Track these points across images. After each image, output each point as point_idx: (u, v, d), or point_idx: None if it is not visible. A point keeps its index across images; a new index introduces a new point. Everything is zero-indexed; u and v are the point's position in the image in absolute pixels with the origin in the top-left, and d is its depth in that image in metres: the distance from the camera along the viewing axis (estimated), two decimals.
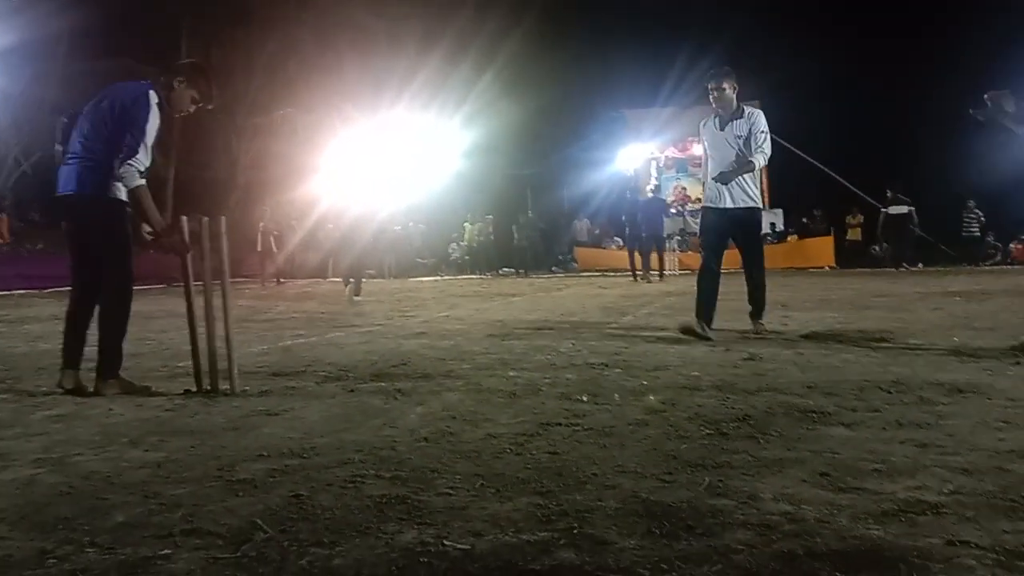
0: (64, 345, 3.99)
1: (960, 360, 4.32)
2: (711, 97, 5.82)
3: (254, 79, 23.32)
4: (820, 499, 2.08)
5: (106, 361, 3.94)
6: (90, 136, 3.94)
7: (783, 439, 2.71)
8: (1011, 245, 20.84)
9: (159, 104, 3.98)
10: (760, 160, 5.69)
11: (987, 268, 18.70)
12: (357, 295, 11.13)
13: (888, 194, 19.39)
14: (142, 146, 3.86)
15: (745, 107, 5.84)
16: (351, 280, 11.45)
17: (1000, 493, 2.08)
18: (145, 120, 3.89)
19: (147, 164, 3.91)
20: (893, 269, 18.42)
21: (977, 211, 20.32)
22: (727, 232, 5.90)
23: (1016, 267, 18.59)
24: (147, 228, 4.05)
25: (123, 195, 3.94)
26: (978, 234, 20.47)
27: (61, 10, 16.71)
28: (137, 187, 3.88)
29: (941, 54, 22.90)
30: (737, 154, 5.68)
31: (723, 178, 5.67)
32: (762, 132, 5.70)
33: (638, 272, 15.70)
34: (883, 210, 19.39)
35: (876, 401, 3.28)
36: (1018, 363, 4.11)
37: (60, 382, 3.93)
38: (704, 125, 5.92)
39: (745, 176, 5.70)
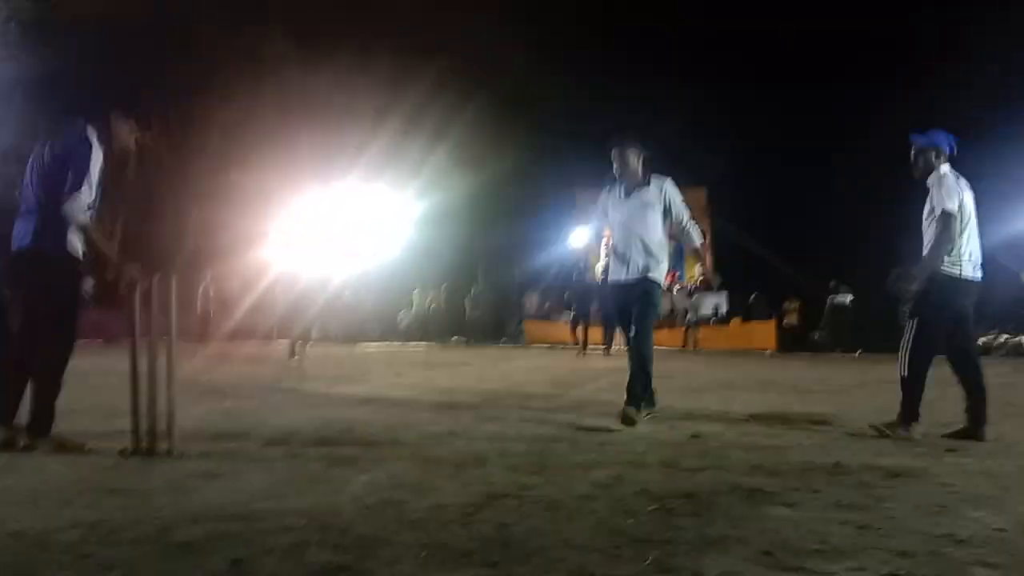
0: (6, 399, 3.83)
1: (897, 445, 4.43)
2: (614, 167, 5.43)
3: (210, 143, 23.34)
4: None
5: (41, 417, 3.81)
6: (39, 188, 3.89)
7: (727, 517, 2.73)
8: None
9: (99, 139, 3.96)
10: (697, 238, 5.52)
11: None
12: (298, 357, 11.18)
13: (831, 283, 20.22)
14: (85, 182, 3.83)
15: (653, 176, 5.43)
16: (298, 344, 11.49)
17: None
18: (86, 157, 3.86)
19: (91, 199, 3.87)
20: (831, 353, 18.91)
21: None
22: (629, 305, 5.40)
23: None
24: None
25: (78, 252, 3.88)
26: None
27: (20, 58, 16.59)
28: (82, 221, 3.84)
29: (884, 143, 23.96)
30: (643, 225, 5.34)
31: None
32: (683, 203, 5.46)
33: (588, 346, 15.93)
34: (829, 299, 20.20)
35: (818, 482, 3.34)
36: (953, 450, 4.24)
37: None
38: (607, 192, 5.53)
39: (651, 246, 5.35)
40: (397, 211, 23.25)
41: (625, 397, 5.17)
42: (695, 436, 4.63)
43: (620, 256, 5.45)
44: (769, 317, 22.11)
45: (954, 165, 4.94)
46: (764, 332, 21.30)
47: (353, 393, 7.03)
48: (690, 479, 3.38)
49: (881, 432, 4.79)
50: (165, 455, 3.70)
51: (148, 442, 3.81)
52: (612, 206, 5.52)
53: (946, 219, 4.72)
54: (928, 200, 4.88)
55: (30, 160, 4.00)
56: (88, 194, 3.86)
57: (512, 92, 24.82)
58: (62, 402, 3.95)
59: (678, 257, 26.19)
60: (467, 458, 3.78)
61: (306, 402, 6.19)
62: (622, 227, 5.42)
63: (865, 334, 20.73)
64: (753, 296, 23.01)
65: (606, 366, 12.44)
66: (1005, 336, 21.07)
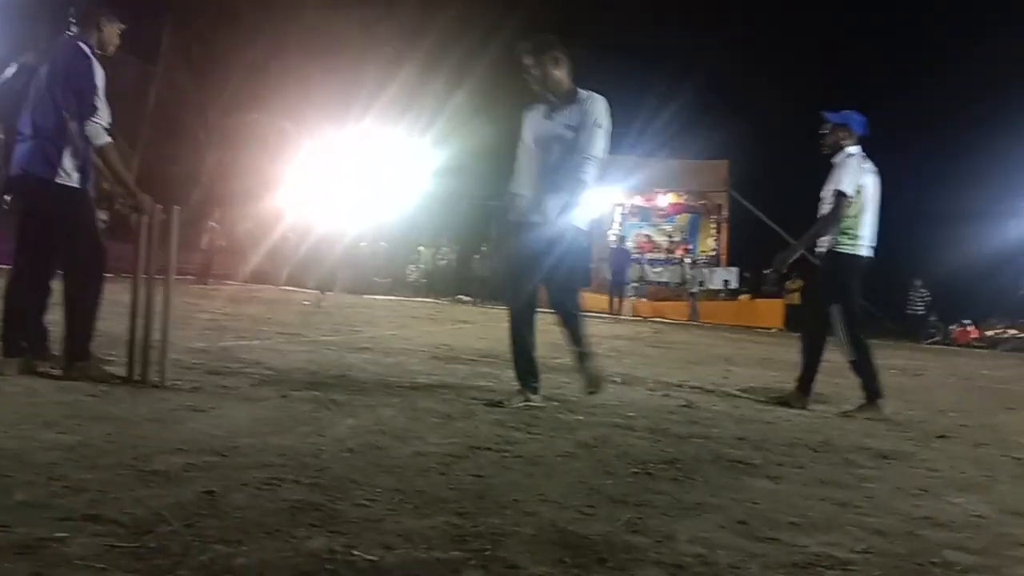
0: (5, 332, 3.83)
1: (888, 428, 4.41)
2: (529, 81, 4.24)
3: (232, 80, 23.17)
4: (735, 545, 2.09)
5: (69, 346, 3.82)
6: (38, 112, 3.81)
7: (707, 485, 2.73)
8: (952, 327, 21.49)
9: (94, 52, 3.85)
10: (588, 173, 4.06)
11: (927, 346, 19.20)
12: (323, 303, 11.48)
13: None
14: (99, 100, 3.76)
15: (581, 91, 4.20)
16: (321, 288, 11.94)
17: (908, 556, 2.12)
18: (91, 74, 3.77)
19: (108, 120, 3.82)
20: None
21: (923, 290, 20.94)
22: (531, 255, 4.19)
23: (955, 348, 19.11)
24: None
25: (74, 180, 3.82)
26: (922, 312, 21.07)
27: None
28: (104, 144, 3.79)
29: (911, 134, 23.76)
30: (566, 149, 4.13)
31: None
32: (597, 127, 4.08)
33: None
34: None
35: (803, 458, 3.33)
36: (943, 436, 4.21)
37: (2, 369, 3.73)
38: (528, 113, 4.34)
39: (567, 183, 4.10)
40: (414, 160, 23.05)
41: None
42: (686, 405, 4.62)
43: (534, 196, 4.23)
44: (778, 295, 22.01)
45: (865, 147, 5.01)
46: (770, 310, 21.23)
47: (353, 342, 7.05)
48: (675, 446, 3.37)
49: (848, 416, 4.81)
50: (156, 387, 3.72)
51: (140, 372, 3.83)
52: (534, 129, 4.29)
53: (838, 200, 4.83)
54: (829, 178, 4.97)
55: (31, 84, 3.91)
56: (104, 114, 3.80)
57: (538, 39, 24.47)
58: (57, 331, 3.96)
59: (691, 229, 26.10)
60: (455, 410, 3.78)
61: (304, 347, 6.21)
62: (543, 154, 4.23)
63: (871, 321, 20.78)
64: (765, 272, 22.90)
65: (610, 332, 12.43)
66: (1012, 331, 20.94)
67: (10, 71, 4.01)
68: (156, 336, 3.88)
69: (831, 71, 25.84)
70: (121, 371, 3.87)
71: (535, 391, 4.21)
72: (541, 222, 4.14)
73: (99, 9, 3.98)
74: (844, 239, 4.90)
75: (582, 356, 4.37)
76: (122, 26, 4.05)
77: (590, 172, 4.06)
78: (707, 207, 25.48)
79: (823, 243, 4.98)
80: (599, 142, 4.09)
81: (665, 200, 25.36)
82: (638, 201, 25.82)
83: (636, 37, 24.79)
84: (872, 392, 4.88)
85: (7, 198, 3.99)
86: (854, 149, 4.95)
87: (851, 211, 4.87)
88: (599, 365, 4.52)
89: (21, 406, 3.06)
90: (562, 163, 4.13)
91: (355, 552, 1.80)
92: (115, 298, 4.45)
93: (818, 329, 5.12)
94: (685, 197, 25.29)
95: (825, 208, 4.92)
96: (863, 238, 4.94)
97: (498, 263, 4.59)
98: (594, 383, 4.39)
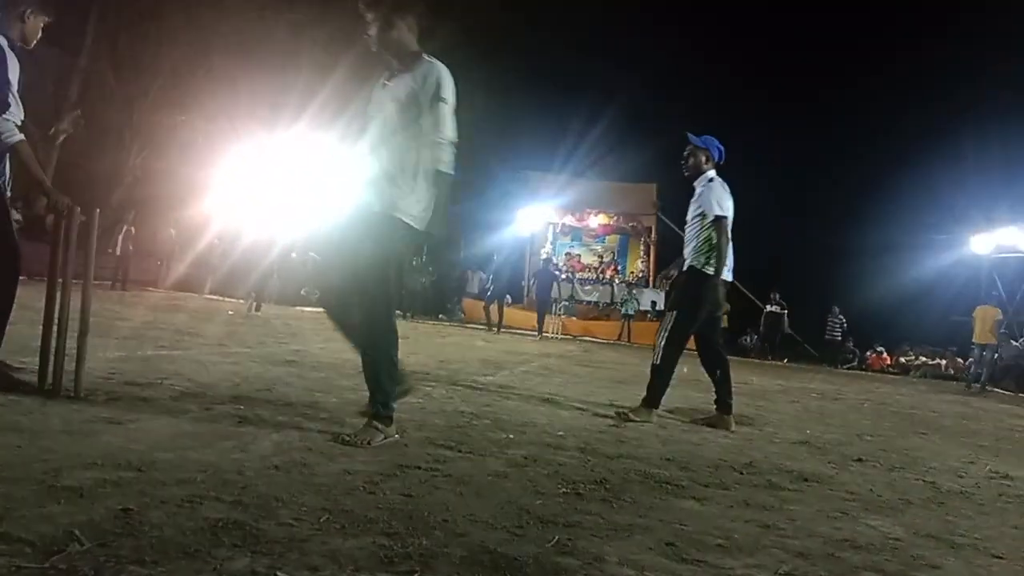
0: None
1: (809, 451, 4.52)
2: (365, 36, 3.56)
3: (159, 77, 22.51)
4: (663, 567, 2.10)
5: None
6: None
7: (635, 505, 2.74)
8: (868, 353, 22.33)
9: (11, 47, 3.69)
10: (448, 162, 3.42)
11: (844, 371, 19.86)
12: (257, 310, 11.21)
13: (771, 295, 21.13)
14: (10, 96, 3.60)
15: (425, 57, 3.48)
16: (252, 296, 11.51)
17: None
18: (3, 69, 3.60)
19: (21, 116, 3.65)
20: (759, 360, 19.39)
21: (840, 317, 21.72)
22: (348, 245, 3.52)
23: (870, 374, 19.82)
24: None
25: None
26: (839, 338, 21.83)
27: None
28: (16, 142, 3.63)
29: (832, 169, 24.70)
30: (389, 124, 3.45)
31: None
32: (441, 102, 3.39)
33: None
34: (765, 308, 21.07)
35: (728, 480, 3.38)
36: (860, 460, 4.34)
37: None
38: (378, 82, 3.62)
39: (393, 165, 3.43)
40: (345, 167, 22.76)
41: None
42: (614, 425, 4.65)
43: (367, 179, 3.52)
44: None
45: (720, 173, 5.31)
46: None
47: (279, 355, 6.89)
48: (604, 465, 3.39)
49: (623, 416, 5.02)
50: (70, 397, 3.55)
51: (53, 382, 3.66)
52: (375, 98, 3.60)
53: (720, 223, 5.09)
54: (695, 202, 5.25)
55: None
56: (16, 111, 3.63)
57: (467, 63, 24.55)
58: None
59: (621, 250, 26.51)
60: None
61: (228, 358, 6.03)
62: (370, 125, 3.57)
63: (794, 344, 21.52)
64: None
65: (539, 350, 12.48)
66: (924, 358, 21.88)
67: None
68: (71, 344, 3.71)
69: (753, 100, 26.70)
70: (32, 379, 3.69)
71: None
72: (365, 209, 3.45)
73: (25, 2, 3.81)
74: (709, 261, 5.09)
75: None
76: (47, 19, 3.88)
77: (450, 160, 3.42)
78: (636, 229, 25.95)
79: (688, 260, 5.22)
80: (449, 121, 3.42)
81: (596, 221, 25.74)
82: (570, 220, 26.12)
83: (566, 58, 25.18)
84: (651, 399, 5.13)
85: None
86: (713, 173, 5.24)
87: (713, 234, 5.09)
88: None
89: None
90: (384, 142, 3.45)
91: (279, 573, 1.75)
92: (30, 303, 4.25)
93: (707, 351, 5.44)
94: (615, 218, 25.72)
95: (693, 231, 5.21)
96: (725, 260, 5.12)
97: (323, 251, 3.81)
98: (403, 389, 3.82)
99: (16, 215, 3.88)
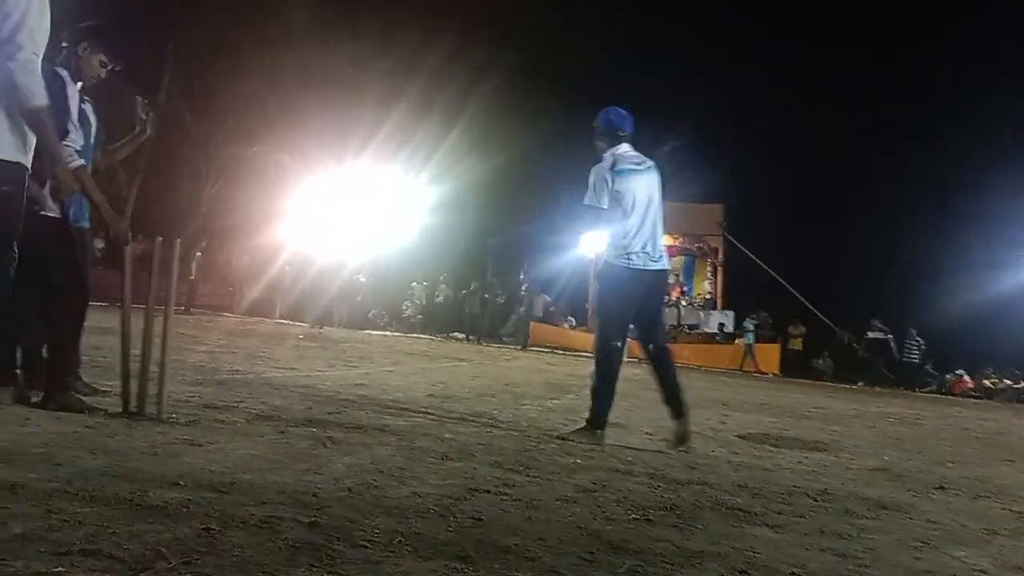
0: None
1: (887, 478, 4.38)
2: None
3: (231, 113, 23.33)
4: None
5: (51, 374, 3.79)
6: None
7: (707, 532, 2.70)
8: (947, 376, 21.51)
9: (71, 77, 3.84)
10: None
11: (923, 395, 19.18)
12: (320, 330, 11.51)
13: (871, 321, 20.66)
14: (69, 123, 3.73)
15: None
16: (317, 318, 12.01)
17: None
18: (63, 97, 3.73)
19: (81, 143, 3.80)
20: (833, 384, 18.93)
21: (919, 339, 21.01)
22: None
23: (950, 398, 19.09)
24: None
25: (52, 209, 3.77)
26: (917, 361, 21.11)
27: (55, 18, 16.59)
28: (77, 167, 3.74)
29: (910, 187, 24.05)
30: None
31: None
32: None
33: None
34: (866, 334, 20.64)
35: (803, 507, 3.31)
36: (941, 487, 4.19)
37: None
38: None
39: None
40: (411, 195, 23.19)
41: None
42: (684, 451, 4.59)
43: None
44: (774, 340, 22.07)
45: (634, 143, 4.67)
46: (767, 355, 21.22)
47: (348, 378, 7.02)
48: (674, 491, 3.35)
49: (566, 438, 4.50)
50: (152, 419, 3.69)
51: (137, 405, 3.81)
52: None
53: (585, 213, 4.63)
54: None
55: None
56: (76, 136, 3.77)
57: (530, 91, 24.78)
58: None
59: (686, 271, 26.20)
60: (452, 450, 3.75)
61: (301, 381, 6.18)
62: None
63: (870, 368, 20.88)
64: (762, 314, 22.91)
65: None
66: (1008, 382, 21.00)
67: None
68: (153, 368, 3.86)
69: (829, 118, 26.21)
70: (117, 403, 3.85)
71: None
72: None
73: (82, 37, 3.96)
74: (612, 253, 4.60)
75: None
76: (103, 58, 4.00)
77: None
78: (703, 250, 25.63)
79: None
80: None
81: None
82: None
83: (631, 79, 25.15)
84: (592, 419, 4.61)
85: None
86: (609, 153, 4.62)
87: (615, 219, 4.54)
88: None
89: (17, 436, 3.03)
90: None
91: None
92: (115, 327, 4.44)
93: (651, 355, 4.79)
94: (680, 240, 25.45)
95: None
96: (635, 248, 4.53)
97: None
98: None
99: (98, 243, 4.06)
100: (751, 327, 21.61)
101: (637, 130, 4.69)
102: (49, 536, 1.93)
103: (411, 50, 22.77)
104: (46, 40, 2.90)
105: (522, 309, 21.76)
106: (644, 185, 4.59)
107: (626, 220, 4.52)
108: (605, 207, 4.53)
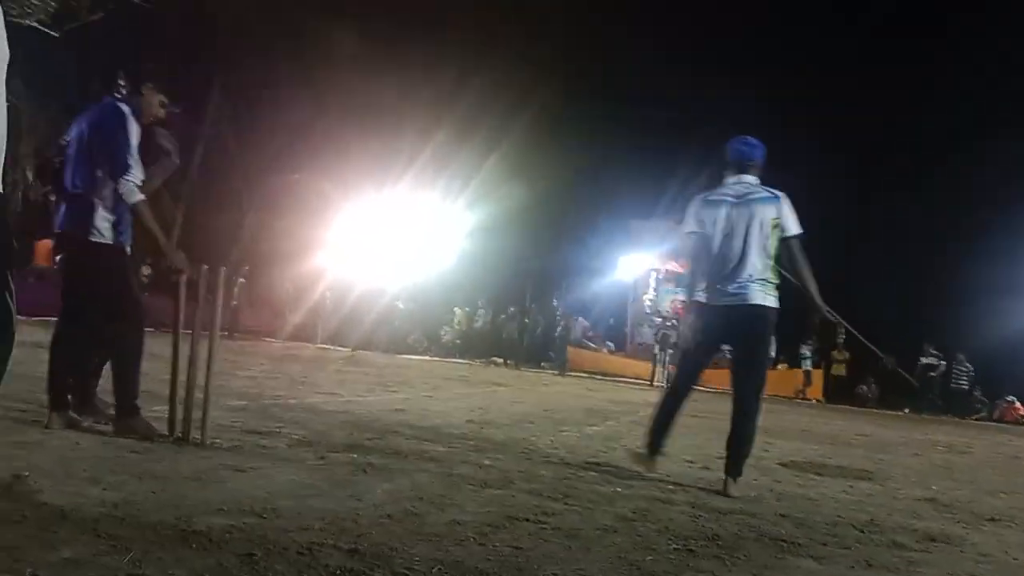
0: (50, 386, 3.90)
1: (936, 508, 4.27)
2: None
3: (274, 141, 23.83)
4: None
5: (119, 400, 3.89)
6: (76, 171, 3.93)
7: (750, 563, 2.66)
8: (997, 403, 20.90)
9: (133, 113, 3.95)
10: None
11: (972, 422, 18.66)
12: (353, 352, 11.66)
13: (924, 346, 20.20)
14: (131, 159, 3.84)
15: None
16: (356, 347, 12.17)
17: None
18: (126, 133, 3.85)
19: (141, 178, 3.91)
20: (878, 410, 18.53)
21: (967, 364, 20.47)
22: None
23: (1001, 425, 18.55)
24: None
25: (107, 237, 3.89)
26: (966, 387, 20.56)
27: (98, 47, 17.14)
28: (137, 201, 3.85)
29: (954, 209, 23.55)
30: None
31: None
32: None
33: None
34: (920, 360, 20.26)
35: (848, 539, 3.24)
36: (993, 519, 4.07)
37: (48, 423, 3.80)
38: None
39: None
40: (450, 220, 23.38)
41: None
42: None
43: None
44: (817, 366, 21.64)
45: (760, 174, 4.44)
46: (811, 381, 20.83)
47: (388, 403, 7.06)
48: (716, 521, 3.31)
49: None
50: (197, 444, 3.75)
51: (182, 430, 3.88)
52: None
53: (684, 240, 4.43)
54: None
55: (69, 143, 4.01)
56: (137, 172, 3.89)
57: (570, 116, 24.89)
58: (101, 385, 4.04)
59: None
60: (491, 477, 3.75)
61: (342, 407, 6.23)
62: None
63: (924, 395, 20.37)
64: (808, 341, 22.51)
65: (645, 399, 12.29)
66: None
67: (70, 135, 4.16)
68: (197, 394, 3.93)
69: (873, 137, 25.89)
70: (164, 427, 3.92)
71: None
72: None
73: (146, 76, 4.12)
74: (699, 286, 4.41)
75: None
76: (163, 99, 4.16)
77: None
78: None
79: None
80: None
81: None
82: (672, 267, 25.80)
83: (671, 102, 25.14)
84: (646, 441, 4.42)
85: (57, 257, 4.10)
86: (729, 178, 4.44)
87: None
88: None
89: (67, 461, 3.11)
90: None
91: None
92: (162, 352, 4.53)
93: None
94: None
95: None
96: (713, 281, 4.33)
97: None
98: None
99: (145, 270, 4.16)
100: (808, 353, 21.17)
101: (749, 158, 4.43)
102: (97, 560, 1.98)
103: (451, 79, 23.07)
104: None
105: (558, 332, 21.65)
106: (718, 215, 4.32)
107: (710, 252, 4.31)
108: (686, 232, 4.42)
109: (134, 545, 2.12)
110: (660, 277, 26.06)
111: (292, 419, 5.07)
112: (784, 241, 4.29)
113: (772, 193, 4.36)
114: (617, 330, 25.56)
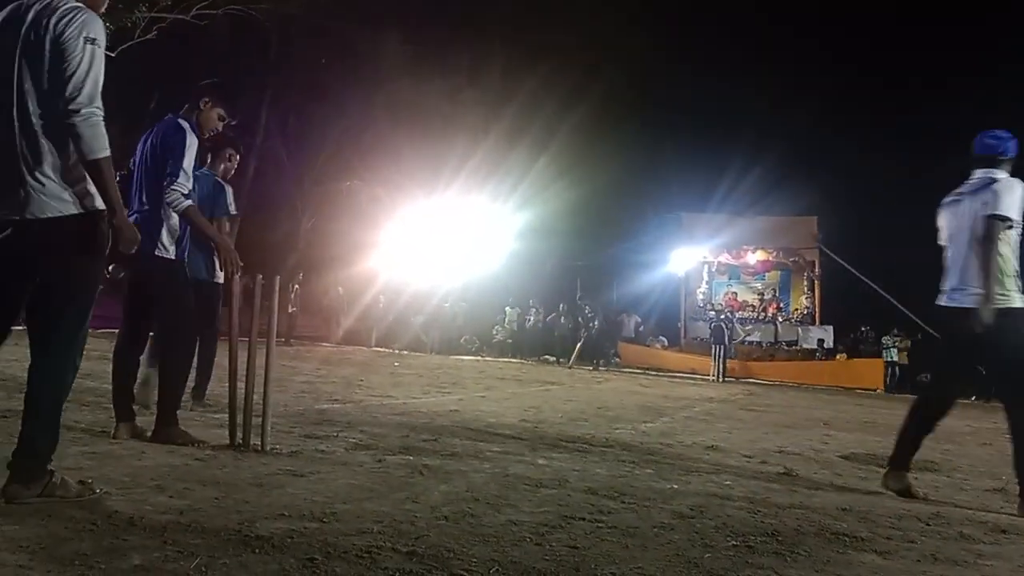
0: (115, 397, 4.05)
1: (1005, 499, 4.14)
2: None
3: (325, 149, 24.21)
4: None
5: (161, 411, 4.00)
6: (141, 187, 4.06)
7: (811, 559, 2.62)
8: None
9: (191, 128, 4.08)
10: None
11: None
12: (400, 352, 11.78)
13: None
14: (182, 171, 3.94)
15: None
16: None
17: None
18: (182, 145, 3.97)
19: (189, 187, 4.01)
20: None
21: None
22: None
23: None
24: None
25: (170, 252, 4.01)
26: None
27: (152, 67, 17.63)
28: (186, 208, 3.96)
29: None
30: None
31: None
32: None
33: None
34: None
35: (913, 532, 3.17)
36: None
37: (115, 434, 3.94)
38: None
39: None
40: (500, 221, 23.47)
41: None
42: (785, 473, 4.47)
43: None
44: (876, 355, 21.12)
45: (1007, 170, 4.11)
46: (870, 370, 20.33)
47: (442, 404, 7.12)
48: (775, 516, 3.26)
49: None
50: (257, 451, 3.84)
51: (242, 437, 3.97)
52: None
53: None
54: None
55: (136, 162, 4.16)
56: (186, 182, 3.99)
57: (618, 104, 24.76)
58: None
59: (782, 286, 25.52)
60: (546, 477, 3.76)
61: (396, 409, 6.30)
62: None
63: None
64: (864, 329, 21.99)
65: (700, 395, 12.17)
66: None
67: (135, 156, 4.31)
68: (256, 401, 4.02)
69: (923, 125, 25.21)
70: (224, 435, 4.02)
71: None
72: None
73: (204, 92, 4.25)
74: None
75: None
76: (222, 112, 4.29)
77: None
78: (799, 264, 24.93)
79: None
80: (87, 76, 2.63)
81: (754, 257, 24.94)
82: (726, 258, 25.47)
83: (722, 97, 24.86)
84: (893, 457, 4.23)
85: (111, 267, 4.23)
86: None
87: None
88: None
89: (133, 470, 3.21)
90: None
91: None
92: (221, 361, 4.64)
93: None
94: (775, 254, 24.83)
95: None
96: (945, 284, 4.14)
97: None
98: None
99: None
100: (891, 343, 20.54)
101: (999, 152, 4.13)
102: (165, 567, 2.04)
103: (500, 83, 23.19)
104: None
105: (589, 330, 21.39)
106: (948, 217, 4.18)
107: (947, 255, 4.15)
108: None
109: (200, 551, 2.18)
110: (713, 270, 25.77)
111: (348, 423, 5.15)
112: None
113: (983, 185, 4.07)
114: (670, 324, 25.33)
